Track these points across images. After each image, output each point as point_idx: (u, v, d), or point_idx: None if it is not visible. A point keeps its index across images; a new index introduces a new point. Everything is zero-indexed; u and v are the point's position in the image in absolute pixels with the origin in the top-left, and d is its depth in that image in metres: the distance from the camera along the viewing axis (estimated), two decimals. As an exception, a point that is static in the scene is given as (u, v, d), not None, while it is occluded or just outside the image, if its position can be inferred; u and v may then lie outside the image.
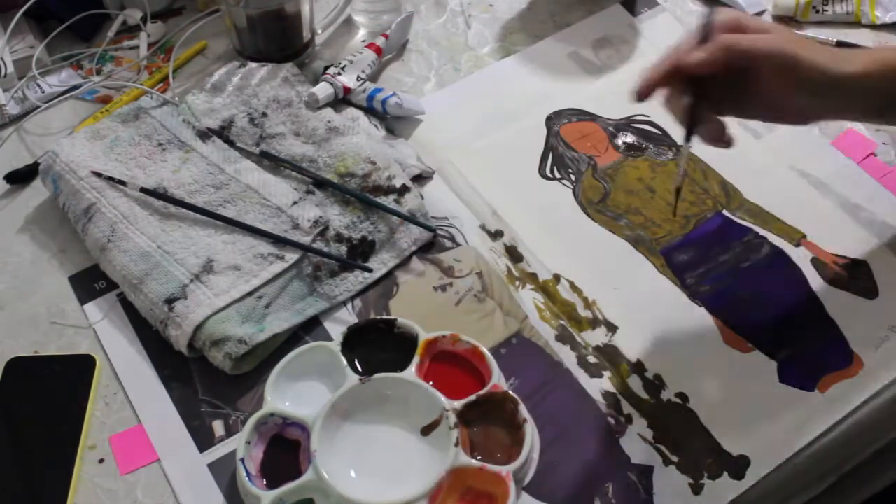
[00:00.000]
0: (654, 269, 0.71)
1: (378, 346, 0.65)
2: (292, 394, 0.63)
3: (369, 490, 0.58)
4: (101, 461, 0.62)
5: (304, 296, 0.69)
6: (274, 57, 0.83)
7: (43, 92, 0.83)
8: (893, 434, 0.64)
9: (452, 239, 0.73)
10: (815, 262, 0.71)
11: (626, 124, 0.81)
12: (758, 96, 0.60)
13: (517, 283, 0.71)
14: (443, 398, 0.61)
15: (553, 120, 0.82)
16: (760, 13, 0.91)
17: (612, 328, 0.68)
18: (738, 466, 0.61)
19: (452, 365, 0.64)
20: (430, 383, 0.62)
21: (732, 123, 0.81)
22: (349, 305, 0.69)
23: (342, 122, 0.78)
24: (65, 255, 0.73)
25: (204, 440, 0.63)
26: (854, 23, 0.90)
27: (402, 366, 0.63)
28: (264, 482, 0.59)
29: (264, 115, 0.78)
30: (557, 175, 0.78)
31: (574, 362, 0.66)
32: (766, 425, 0.62)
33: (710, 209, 0.75)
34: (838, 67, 0.58)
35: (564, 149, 0.79)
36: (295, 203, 0.72)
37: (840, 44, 0.87)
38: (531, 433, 0.60)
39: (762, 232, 0.73)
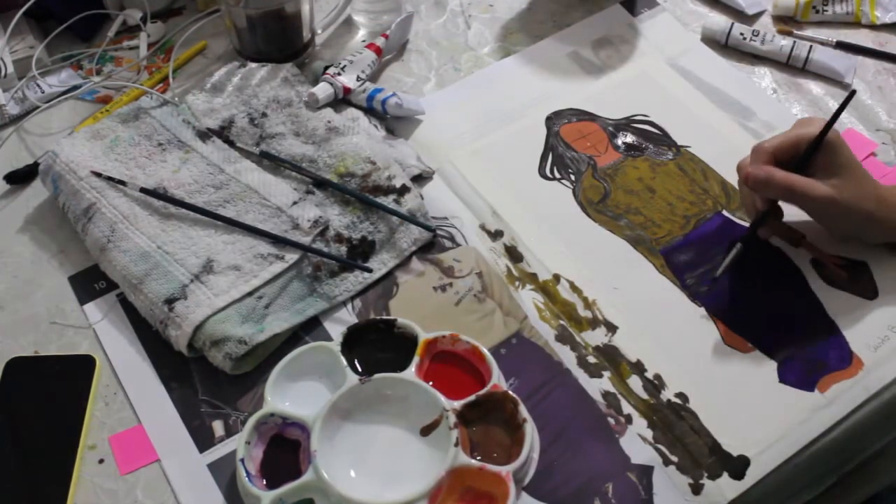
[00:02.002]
0: (654, 269, 0.71)
1: (378, 346, 0.65)
2: (292, 394, 0.63)
3: (369, 490, 0.58)
4: (101, 461, 0.62)
5: (304, 296, 0.69)
6: (274, 57, 0.83)
7: (43, 92, 0.83)
8: (893, 434, 0.64)
9: (452, 239, 0.73)
10: (815, 263, 0.71)
11: (626, 124, 0.81)
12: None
13: (517, 283, 0.71)
14: (442, 398, 0.61)
15: (553, 120, 0.82)
16: (760, 13, 0.91)
17: (612, 328, 0.68)
18: (738, 466, 0.61)
19: (452, 365, 0.64)
20: (430, 383, 0.62)
21: (733, 124, 0.81)
22: (349, 305, 0.69)
23: (342, 122, 0.78)
24: (65, 255, 0.73)
25: (204, 440, 0.63)
26: (854, 23, 0.90)
27: (401, 366, 0.63)
28: (264, 482, 0.59)
29: (264, 115, 0.78)
30: (557, 175, 0.78)
31: (574, 362, 0.66)
32: (766, 425, 0.62)
33: (710, 209, 0.75)
34: (883, 213, 0.66)
35: (564, 149, 0.79)
36: (295, 203, 0.72)
37: (840, 44, 0.87)
38: (531, 433, 0.60)
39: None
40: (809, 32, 0.89)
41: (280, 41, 0.84)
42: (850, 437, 0.62)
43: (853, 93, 0.68)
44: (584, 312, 0.69)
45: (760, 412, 0.63)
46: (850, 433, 0.62)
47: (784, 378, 0.65)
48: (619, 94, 0.84)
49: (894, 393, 0.64)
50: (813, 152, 0.66)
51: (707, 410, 0.63)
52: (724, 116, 0.82)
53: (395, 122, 0.81)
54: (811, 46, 0.86)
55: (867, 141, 0.80)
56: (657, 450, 0.62)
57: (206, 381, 0.65)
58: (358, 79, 0.81)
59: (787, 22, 0.91)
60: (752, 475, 0.60)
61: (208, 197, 0.72)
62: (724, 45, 0.88)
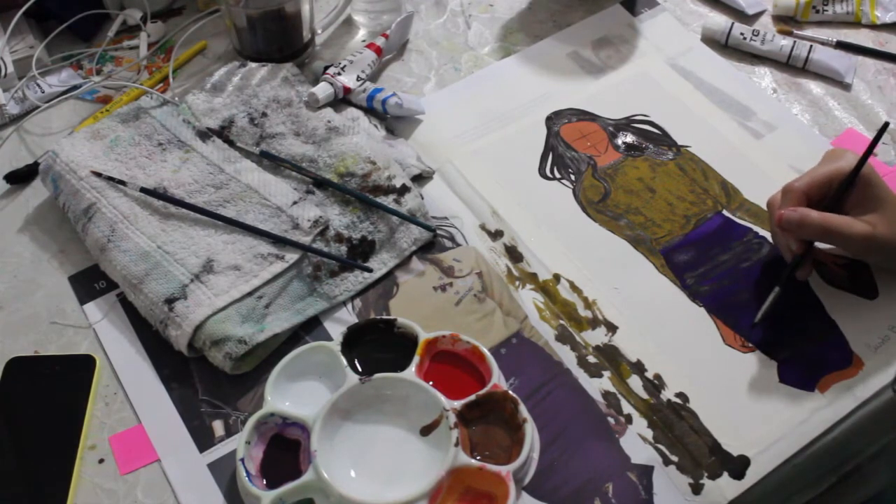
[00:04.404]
0: (654, 269, 0.71)
1: (378, 346, 0.65)
2: (292, 394, 0.63)
3: (369, 490, 0.58)
4: (101, 461, 0.62)
5: (304, 296, 0.69)
6: (274, 57, 0.83)
7: (43, 92, 0.83)
8: (893, 434, 0.64)
9: (452, 239, 0.73)
10: (816, 263, 0.71)
11: (626, 124, 0.81)
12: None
13: (517, 282, 0.71)
14: (442, 398, 0.61)
15: (553, 120, 0.82)
16: (760, 13, 0.91)
17: (612, 328, 0.68)
18: (738, 466, 0.61)
19: (452, 365, 0.64)
20: (430, 383, 0.62)
21: (733, 123, 0.81)
22: (349, 305, 0.69)
23: (342, 122, 0.78)
24: (65, 255, 0.73)
25: (204, 440, 0.63)
26: (854, 23, 0.90)
27: (402, 366, 0.63)
28: (264, 482, 0.59)
29: (264, 115, 0.78)
30: (557, 175, 0.78)
31: (574, 362, 0.66)
32: (766, 425, 0.62)
33: (710, 209, 0.75)
34: None
35: (564, 149, 0.79)
36: (295, 203, 0.72)
37: (840, 44, 0.87)
38: (531, 433, 0.60)
39: (762, 232, 0.73)
40: (809, 32, 0.89)
41: (280, 41, 0.84)
42: (850, 437, 0.62)
43: (886, 125, 0.67)
44: (584, 312, 0.69)
45: (760, 412, 0.63)
46: (850, 433, 0.62)
47: (784, 378, 0.65)
48: (619, 94, 0.84)
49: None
50: (847, 189, 0.65)
51: (707, 410, 0.63)
52: (724, 116, 0.82)
53: (395, 122, 0.81)
54: (811, 46, 0.86)
55: (867, 141, 0.79)
56: (657, 450, 0.62)
57: (206, 381, 0.65)
58: (358, 79, 0.81)
59: (787, 22, 0.91)
60: (752, 475, 0.60)
61: (208, 197, 0.72)
62: (724, 45, 0.88)
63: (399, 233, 0.72)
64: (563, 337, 0.67)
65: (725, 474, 0.60)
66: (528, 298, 0.70)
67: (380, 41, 0.85)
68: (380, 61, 0.85)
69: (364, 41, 0.89)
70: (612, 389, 0.65)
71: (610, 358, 0.66)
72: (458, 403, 0.61)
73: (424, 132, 0.81)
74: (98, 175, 0.72)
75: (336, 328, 0.68)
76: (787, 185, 0.66)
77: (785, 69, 0.86)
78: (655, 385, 0.65)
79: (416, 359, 0.63)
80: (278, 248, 0.69)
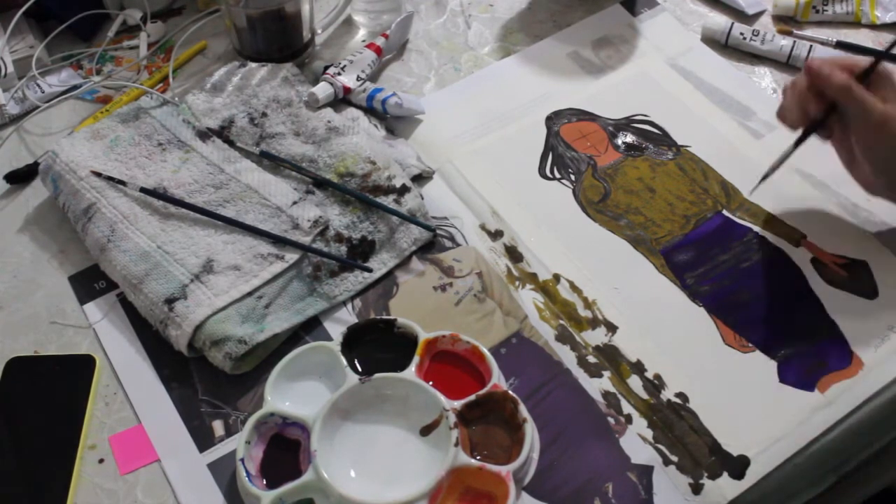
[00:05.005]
0: (654, 269, 0.71)
1: (378, 346, 0.65)
2: (292, 394, 0.63)
3: (369, 490, 0.58)
4: (101, 461, 0.62)
5: (304, 296, 0.69)
6: (274, 57, 0.83)
7: (43, 92, 0.83)
8: (893, 434, 0.64)
9: (452, 239, 0.73)
10: (815, 262, 0.71)
11: (626, 124, 0.81)
12: (851, 135, 0.67)
13: (517, 282, 0.71)
14: (442, 398, 0.61)
15: (553, 120, 0.82)
16: (760, 13, 0.91)
17: (612, 328, 0.68)
18: (738, 466, 0.61)
19: (452, 365, 0.64)
20: (430, 383, 0.62)
21: (733, 123, 0.81)
22: (349, 305, 0.69)
23: (342, 122, 0.78)
24: (65, 255, 0.73)
25: (204, 440, 0.63)
26: (854, 22, 0.90)
27: (401, 366, 0.63)
28: (264, 482, 0.59)
29: (264, 114, 0.78)
30: (557, 175, 0.78)
31: (574, 362, 0.66)
32: (766, 425, 0.62)
33: (710, 209, 0.75)
34: None
35: (564, 149, 0.79)
36: (295, 203, 0.72)
37: (840, 44, 0.87)
38: (531, 433, 0.60)
39: (762, 232, 0.73)
40: (809, 32, 0.89)
41: (280, 41, 0.84)
42: (850, 437, 0.62)
43: None
44: (584, 312, 0.69)
45: (760, 412, 0.63)
46: (850, 433, 0.62)
47: (784, 378, 0.65)
48: (619, 94, 0.84)
49: (894, 393, 0.64)
50: (866, 76, 0.65)
51: (707, 410, 0.63)
52: (724, 116, 0.82)
53: (395, 122, 0.81)
54: (811, 46, 0.86)
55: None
56: (657, 450, 0.62)
57: (206, 381, 0.65)
58: (358, 78, 0.81)
59: (787, 22, 0.91)
60: (752, 475, 0.60)
61: (208, 197, 0.72)
62: (724, 45, 0.88)
63: (399, 233, 0.72)
64: (563, 337, 0.67)
65: (725, 474, 0.60)
66: (528, 298, 0.70)
67: (380, 41, 0.85)
68: (380, 61, 0.85)
69: (364, 41, 0.89)
70: (612, 389, 0.65)
71: (610, 358, 0.66)
72: (458, 403, 0.61)
73: (424, 132, 0.81)
74: (98, 175, 0.72)
75: (336, 328, 0.68)
76: (808, 62, 0.68)
77: (785, 69, 0.86)
78: (655, 385, 0.65)
79: (416, 359, 0.63)
80: (278, 248, 0.69)
